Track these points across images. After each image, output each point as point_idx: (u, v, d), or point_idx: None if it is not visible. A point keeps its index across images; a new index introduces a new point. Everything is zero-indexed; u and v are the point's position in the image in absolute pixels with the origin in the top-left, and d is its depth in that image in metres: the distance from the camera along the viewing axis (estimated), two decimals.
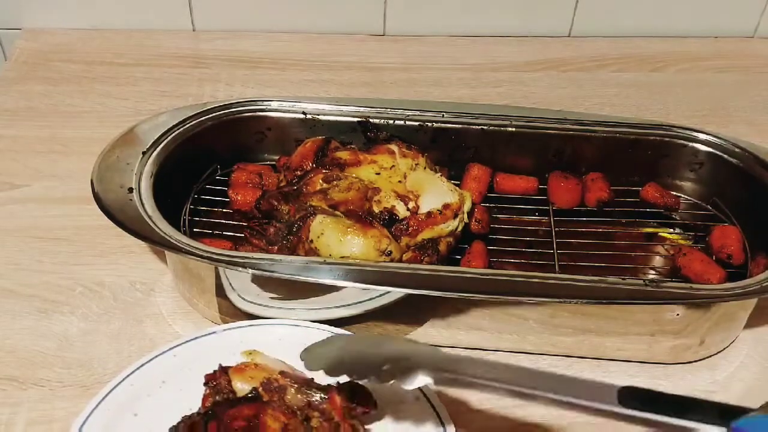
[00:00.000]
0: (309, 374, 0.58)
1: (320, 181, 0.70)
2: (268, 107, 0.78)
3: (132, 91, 0.92)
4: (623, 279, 0.62)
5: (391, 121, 0.77)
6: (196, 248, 0.62)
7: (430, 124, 0.77)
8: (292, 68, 0.97)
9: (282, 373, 0.59)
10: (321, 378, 0.58)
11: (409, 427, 0.59)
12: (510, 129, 0.77)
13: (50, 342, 0.66)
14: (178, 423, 0.55)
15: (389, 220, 0.68)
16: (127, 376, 0.60)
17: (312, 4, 1.01)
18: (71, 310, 0.68)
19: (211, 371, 0.58)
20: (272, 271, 0.61)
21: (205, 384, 0.58)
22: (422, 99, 0.87)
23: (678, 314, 0.62)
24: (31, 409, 0.61)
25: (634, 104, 0.94)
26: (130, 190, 0.67)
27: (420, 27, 1.03)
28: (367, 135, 0.77)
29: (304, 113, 0.78)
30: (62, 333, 0.66)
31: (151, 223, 0.64)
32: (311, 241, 0.65)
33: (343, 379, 0.57)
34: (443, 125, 0.77)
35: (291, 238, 0.68)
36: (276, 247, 0.68)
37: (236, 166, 0.77)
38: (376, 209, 0.69)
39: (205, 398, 0.58)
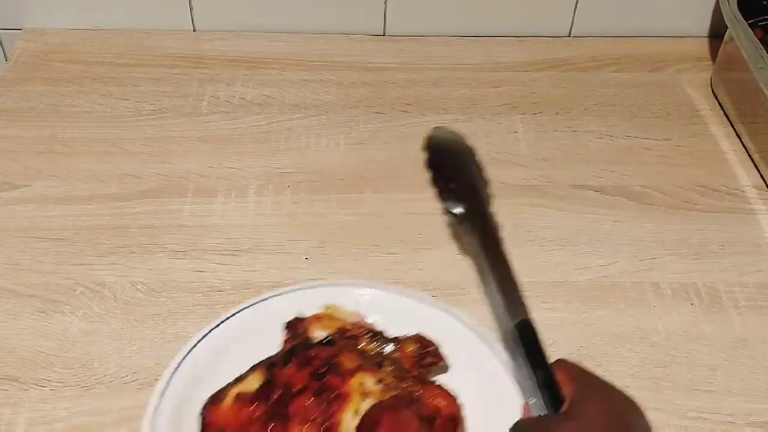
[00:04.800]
0: (380, 328, 0.64)
1: None
2: None
3: (132, 91, 0.92)
4: None
5: None
6: None
7: None
8: (293, 68, 0.97)
9: (355, 323, 0.64)
10: (392, 331, 0.63)
11: (485, 384, 0.62)
12: None
13: (51, 342, 0.66)
14: (260, 362, 0.60)
15: None
16: (217, 325, 0.64)
17: (312, 5, 1.01)
18: (72, 310, 0.68)
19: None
20: None
21: (285, 330, 0.64)
22: None
23: None
24: (32, 409, 0.61)
25: (634, 104, 0.94)
26: None
27: (420, 27, 1.03)
28: None
29: None
30: (63, 333, 0.66)
31: None
32: None
33: (402, 322, 0.64)
34: None
35: None
36: None
37: None
38: None
39: (285, 343, 0.63)
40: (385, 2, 1.00)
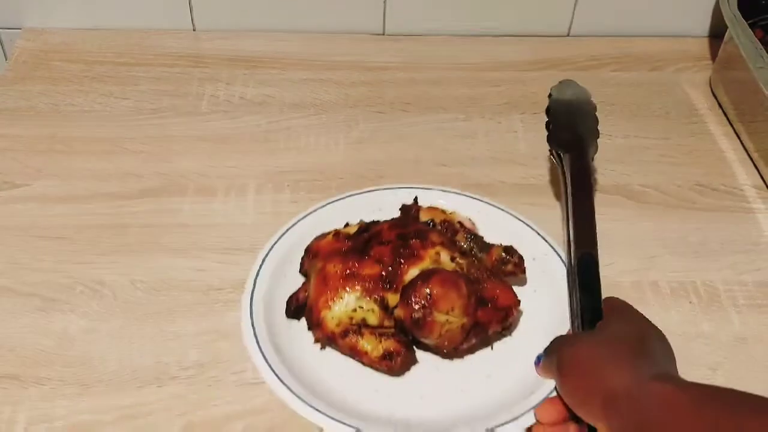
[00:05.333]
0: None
1: None
2: None
3: (132, 90, 0.92)
4: None
5: None
6: None
7: None
8: (293, 68, 0.97)
9: (460, 222, 0.71)
10: (490, 239, 0.70)
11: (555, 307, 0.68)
12: None
13: (51, 340, 0.66)
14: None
15: None
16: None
17: (312, 4, 1.01)
18: (72, 309, 0.68)
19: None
20: None
21: (400, 211, 0.74)
22: None
23: None
24: (32, 407, 0.61)
25: (634, 103, 0.94)
26: None
27: (420, 27, 1.03)
28: None
29: None
30: (63, 331, 0.66)
31: None
32: None
33: (507, 242, 0.69)
34: None
35: None
36: None
37: None
38: None
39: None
40: (385, 2, 1.01)
